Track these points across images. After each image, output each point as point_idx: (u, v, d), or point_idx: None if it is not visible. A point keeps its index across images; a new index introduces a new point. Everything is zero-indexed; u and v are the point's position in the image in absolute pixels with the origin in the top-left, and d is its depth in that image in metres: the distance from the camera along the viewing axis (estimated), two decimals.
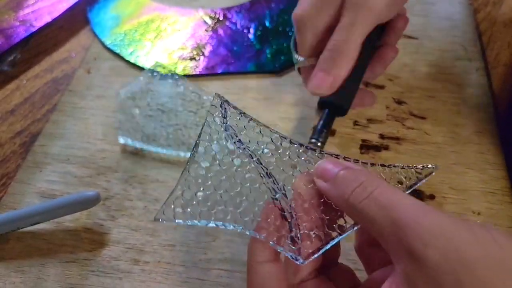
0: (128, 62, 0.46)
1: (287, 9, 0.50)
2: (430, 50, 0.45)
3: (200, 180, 0.23)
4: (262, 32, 0.48)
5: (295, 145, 0.24)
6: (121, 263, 0.32)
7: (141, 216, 0.34)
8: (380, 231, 0.19)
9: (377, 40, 0.33)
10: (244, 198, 0.22)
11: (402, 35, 0.46)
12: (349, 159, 0.24)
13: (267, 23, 0.49)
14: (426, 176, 0.24)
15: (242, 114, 0.25)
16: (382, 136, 0.38)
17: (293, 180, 0.23)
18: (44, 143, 0.39)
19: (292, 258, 0.21)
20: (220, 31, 0.48)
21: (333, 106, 0.32)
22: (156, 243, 0.33)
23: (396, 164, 0.24)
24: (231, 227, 0.22)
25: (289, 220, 0.22)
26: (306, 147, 0.25)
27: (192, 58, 0.46)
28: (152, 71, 0.43)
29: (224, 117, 0.24)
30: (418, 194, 0.34)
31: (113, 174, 0.37)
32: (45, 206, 0.32)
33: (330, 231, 0.22)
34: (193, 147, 0.24)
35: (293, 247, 0.21)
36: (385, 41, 0.33)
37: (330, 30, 0.30)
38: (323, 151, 0.25)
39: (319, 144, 0.31)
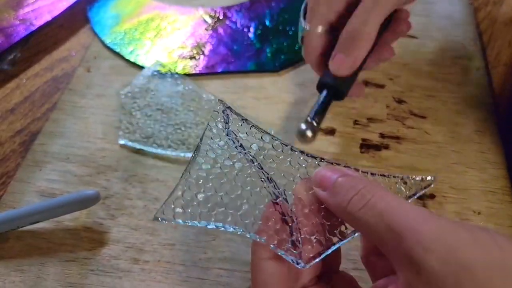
0: (128, 61, 0.46)
1: (287, 8, 0.50)
2: (431, 49, 0.45)
3: (200, 182, 0.23)
4: (262, 31, 0.48)
5: (296, 152, 0.25)
6: (120, 262, 0.32)
7: (141, 215, 0.34)
8: (379, 238, 0.19)
9: (383, 31, 0.33)
10: (244, 201, 0.22)
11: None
12: (349, 168, 0.24)
13: (267, 22, 0.49)
14: (425, 187, 0.24)
15: (244, 121, 0.25)
16: (382, 135, 0.38)
17: (294, 186, 0.23)
18: (44, 142, 0.39)
19: (293, 262, 0.21)
20: (220, 30, 0.48)
21: (332, 89, 0.32)
22: (156, 242, 0.33)
23: (396, 175, 0.24)
24: (231, 229, 0.22)
25: (290, 224, 0.22)
26: (306, 154, 0.25)
27: (192, 57, 0.46)
28: (152, 70, 0.43)
29: (226, 123, 0.25)
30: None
31: (113, 173, 0.37)
32: (44, 205, 0.32)
33: (331, 237, 0.22)
34: (195, 149, 0.24)
35: (294, 251, 0.21)
36: (385, 38, 0.33)
37: (345, 4, 0.30)
38: (323, 159, 0.25)
39: (314, 124, 0.30)
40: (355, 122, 0.39)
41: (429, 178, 0.24)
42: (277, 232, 0.21)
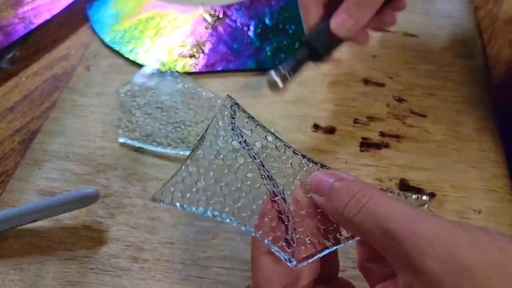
0: (127, 59, 0.46)
1: (287, 7, 0.50)
2: (431, 48, 0.45)
3: (202, 170, 0.23)
4: (262, 30, 0.48)
5: (298, 155, 0.25)
6: (120, 260, 0.32)
7: (140, 213, 0.34)
8: (378, 242, 0.19)
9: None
10: (243, 194, 0.23)
11: (403, 33, 0.46)
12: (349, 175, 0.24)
13: (267, 21, 0.48)
14: (419, 206, 0.24)
15: (250, 118, 0.25)
16: (382, 134, 0.38)
17: (293, 187, 0.23)
18: (43, 141, 0.39)
19: (286, 259, 0.21)
20: (220, 29, 0.48)
21: (313, 50, 0.32)
22: (155, 240, 0.32)
23: (392, 190, 0.24)
24: (228, 220, 0.22)
25: (286, 223, 0.22)
26: (308, 159, 0.25)
27: (191, 56, 0.45)
28: (151, 68, 0.43)
29: (233, 118, 0.25)
30: (418, 192, 0.34)
31: (112, 171, 0.37)
32: (44, 204, 0.32)
33: (325, 241, 0.22)
34: (199, 139, 0.24)
35: (288, 250, 0.21)
36: (385, 10, 0.33)
37: None
38: (324, 165, 0.25)
39: (282, 72, 0.31)
40: (355, 121, 0.39)
41: (424, 197, 0.24)
42: (273, 229, 0.21)
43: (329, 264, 0.24)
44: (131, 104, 0.41)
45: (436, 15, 0.48)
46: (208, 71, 0.44)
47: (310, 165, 0.24)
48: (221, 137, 0.24)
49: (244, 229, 0.22)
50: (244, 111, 0.26)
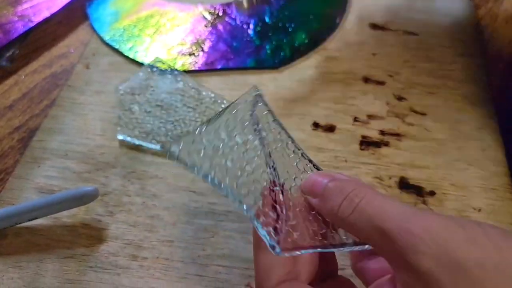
0: (127, 57, 0.46)
1: (287, 5, 0.50)
2: (431, 46, 0.45)
3: (212, 140, 0.24)
4: (261, 28, 0.47)
5: (305, 159, 0.25)
6: (119, 258, 0.32)
7: (139, 211, 0.34)
8: (372, 242, 0.19)
9: None
10: (245, 174, 0.23)
11: (403, 32, 0.46)
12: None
13: (266, 19, 0.48)
14: None
15: (270, 112, 0.26)
16: (382, 133, 0.38)
17: (293, 184, 0.23)
18: (43, 139, 0.39)
19: (270, 245, 0.21)
20: (220, 27, 0.48)
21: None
22: (154, 239, 0.32)
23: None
24: (225, 191, 0.22)
25: (279, 213, 0.22)
26: (314, 165, 0.25)
27: (191, 54, 0.45)
28: (151, 66, 0.43)
29: (254, 106, 0.25)
30: (418, 191, 0.34)
31: (111, 169, 0.36)
32: (43, 202, 0.31)
33: (316, 239, 0.22)
34: (217, 113, 0.25)
35: (274, 237, 0.21)
36: None
37: None
38: None
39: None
40: (355, 119, 0.39)
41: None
42: (264, 214, 0.21)
43: (327, 263, 0.24)
44: (130, 102, 0.40)
45: (436, 13, 0.48)
46: (208, 69, 0.44)
47: (314, 170, 0.25)
48: (239, 118, 0.25)
49: (237, 206, 0.22)
50: (266, 104, 0.26)
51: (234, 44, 0.46)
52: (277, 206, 0.22)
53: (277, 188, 0.22)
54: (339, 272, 0.25)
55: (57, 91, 0.43)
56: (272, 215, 0.21)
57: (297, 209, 0.22)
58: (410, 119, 0.39)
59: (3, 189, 0.36)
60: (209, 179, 0.23)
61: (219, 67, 0.44)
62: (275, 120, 0.26)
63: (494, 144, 0.37)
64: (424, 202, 0.34)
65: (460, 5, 0.49)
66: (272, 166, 0.23)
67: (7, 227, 0.32)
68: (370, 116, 0.39)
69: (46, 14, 0.49)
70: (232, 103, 0.25)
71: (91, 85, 0.43)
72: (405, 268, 0.17)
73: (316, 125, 0.39)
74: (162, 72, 0.43)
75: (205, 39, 0.47)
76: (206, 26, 0.48)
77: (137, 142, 0.38)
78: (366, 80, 0.42)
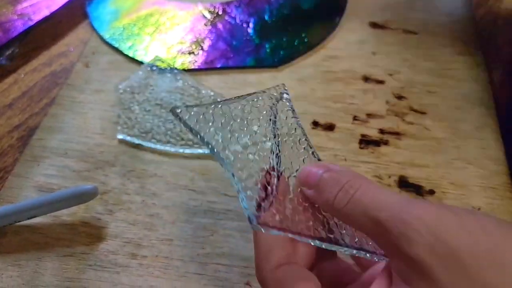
0: (126, 56, 0.46)
1: (286, 4, 0.50)
2: (431, 45, 0.45)
3: (223, 117, 0.24)
4: (261, 27, 0.47)
5: (315, 158, 0.25)
6: (118, 257, 0.32)
7: (138, 210, 0.34)
8: (368, 232, 0.19)
9: None
10: (247, 152, 0.23)
11: (402, 31, 0.46)
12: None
13: (266, 18, 0.48)
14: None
15: (291, 109, 0.26)
16: (382, 131, 0.38)
17: (293, 174, 0.24)
18: (42, 137, 0.39)
19: (248, 217, 0.21)
20: (219, 26, 0.48)
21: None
22: (153, 237, 0.32)
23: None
24: (221, 160, 0.23)
25: (268, 194, 0.22)
26: None
27: (191, 53, 0.45)
28: (151, 65, 0.43)
29: (277, 101, 0.26)
30: (418, 190, 0.34)
31: (111, 168, 0.36)
32: (42, 200, 0.31)
33: (301, 227, 0.22)
34: (234, 97, 0.25)
35: (255, 211, 0.21)
36: None
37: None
38: None
39: None
40: (355, 118, 0.39)
41: (384, 259, 0.23)
42: (252, 189, 0.22)
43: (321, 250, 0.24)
44: (130, 100, 0.40)
45: (436, 12, 0.48)
46: (207, 68, 0.44)
47: None
48: (256, 107, 0.25)
49: (230, 173, 0.22)
50: (290, 101, 0.26)
51: (234, 43, 0.46)
52: (268, 187, 0.22)
53: (274, 173, 0.23)
54: None
55: (57, 89, 0.43)
56: (260, 193, 0.22)
57: (289, 197, 0.23)
58: (410, 118, 0.39)
59: (2, 187, 0.36)
60: (209, 146, 0.23)
61: (218, 66, 0.44)
62: (294, 117, 0.26)
63: (494, 143, 0.37)
64: None
65: (460, 4, 0.49)
66: (277, 154, 0.24)
67: (7, 225, 0.32)
68: (370, 115, 0.39)
69: (46, 12, 0.49)
70: (254, 92, 0.26)
71: (91, 83, 0.43)
72: (400, 257, 0.17)
73: (315, 124, 0.39)
74: (162, 71, 0.43)
75: (204, 38, 0.47)
76: (205, 24, 0.48)
77: (136, 141, 0.38)
78: (366, 79, 0.42)
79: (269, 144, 0.24)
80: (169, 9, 0.51)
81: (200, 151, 0.37)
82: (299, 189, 0.23)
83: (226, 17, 0.49)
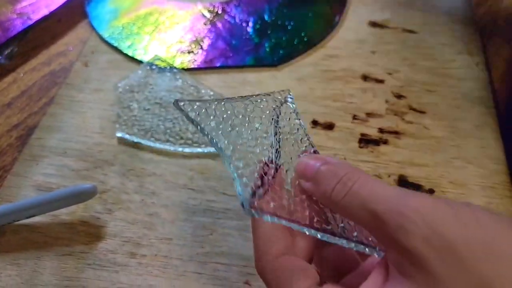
0: (126, 55, 0.46)
1: (286, 3, 0.50)
2: (430, 44, 0.45)
3: (226, 113, 0.25)
4: (260, 26, 0.47)
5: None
6: (117, 256, 0.31)
7: (138, 209, 0.34)
8: (365, 224, 0.19)
9: None
10: (246, 145, 0.24)
11: (402, 30, 0.46)
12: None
13: (266, 17, 0.48)
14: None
15: (295, 112, 0.26)
16: (381, 130, 0.38)
17: (291, 167, 0.24)
18: (41, 136, 0.39)
19: (242, 203, 0.21)
20: (219, 25, 0.48)
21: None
22: (153, 236, 0.32)
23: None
24: (221, 149, 0.23)
25: (264, 183, 0.22)
26: None
27: (190, 52, 0.45)
28: (150, 64, 0.43)
29: (281, 104, 0.26)
30: (417, 189, 0.34)
31: (110, 167, 0.36)
32: (41, 199, 0.31)
33: (295, 215, 0.22)
34: (237, 97, 0.26)
35: (249, 197, 0.21)
36: None
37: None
38: None
39: None
40: (354, 117, 0.39)
41: (376, 254, 0.23)
42: (248, 177, 0.22)
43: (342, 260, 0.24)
44: (129, 99, 0.40)
45: (435, 11, 0.48)
46: (207, 67, 0.44)
47: None
48: (260, 107, 0.25)
49: (227, 166, 0.23)
50: (294, 104, 0.27)
51: (233, 42, 0.46)
52: (265, 177, 0.22)
53: (272, 165, 0.23)
54: None
55: (56, 89, 0.43)
56: (256, 181, 0.22)
57: (286, 188, 0.23)
58: (409, 117, 0.39)
59: (1, 186, 0.36)
60: (209, 136, 0.23)
61: (218, 65, 0.44)
62: (298, 119, 0.26)
63: (493, 142, 0.37)
64: None
65: (459, 3, 0.49)
66: (276, 149, 0.24)
67: (5, 224, 0.32)
68: (369, 114, 0.39)
69: (45, 12, 0.49)
70: (258, 94, 0.26)
71: (90, 83, 0.43)
72: (397, 249, 0.17)
73: (315, 123, 0.39)
74: (161, 70, 0.43)
75: (204, 37, 0.47)
76: (205, 24, 0.48)
77: (135, 139, 0.38)
78: (365, 78, 0.42)
79: (269, 139, 0.24)
80: (169, 8, 0.51)
81: (199, 150, 0.37)
82: (296, 182, 0.23)
83: (226, 16, 0.49)
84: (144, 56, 0.45)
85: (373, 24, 0.47)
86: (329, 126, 0.39)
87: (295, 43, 0.45)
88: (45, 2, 0.50)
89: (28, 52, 0.47)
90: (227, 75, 0.43)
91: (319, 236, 0.21)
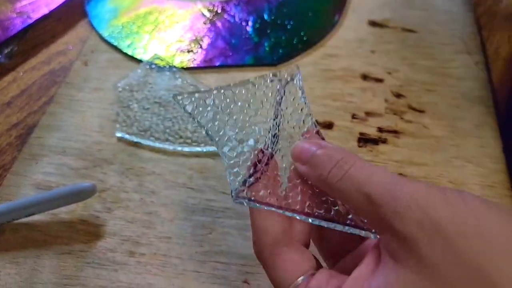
0: (125, 54, 0.46)
1: (285, 2, 0.50)
2: (430, 43, 0.45)
3: (224, 101, 0.25)
4: (260, 25, 0.47)
5: (319, 137, 0.25)
6: (116, 255, 0.31)
7: (137, 208, 0.34)
8: (358, 207, 0.19)
9: None
10: (244, 132, 0.24)
11: (401, 29, 0.46)
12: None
13: (265, 16, 0.48)
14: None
15: (301, 89, 0.26)
16: (380, 130, 0.38)
17: (288, 152, 0.24)
18: (41, 135, 0.39)
19: (231, 192, 0.21)
20: (218, 24, 0.48)
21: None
22: (152, 235, 0.32)
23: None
24: (215, 141, 0.23)
25: (258, 170, 0.22)
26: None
27: (190, 51, 0.45)
28: (149, 63, 0.43)
29: (286, 82, 0.26)
30: None
31: (109, 166, 0.36)
32: (40, 197, 0.31)
33: (285, 201, 0.22)
34: (245, 81, 0.25)
35: (239, 186, 0.22)
36: None
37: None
38: None
39: None
40: (353, 116, 0.39)
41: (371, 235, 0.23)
42: (239, 166, 0.22)
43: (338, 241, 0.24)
44: (129, 99, 0.40)
45: (435, 10, 0.48)
46: (206, 66, 0.44)
47: None
48: (263, 89, 0.25)
49: (222, 154, 0.23)
50: (301, 81, 0.26)
51: (233, 41, 0.46)
52: (258, 165, 0.23)
53: (268, 150, 0.23)
54: None
55: (55, 88, 0.43)
56: (249, 169, 0.22)
57: (280, 173, 0.23)
58: (409, 116, 0.39)
59: (0, 185, 0.36)
60: (205, 129, 0.24)
61: (217, 64, 0.44)
62: (303, 97, 0.26)
63: (493, 141, 0.37)
64: None
65: (459, 2, 0.49)
66: (274, 134, 0.24)
67: (5, 223, 0.32)
68: (368, 113, 0.39)
69: (45, 11, 0.49)
70: (265, 74, 0.25)
71: (90, 82, 0.43)
72: (389, 232, 0.18)
73: None
74: (161, 69, 0.43)
75: (203, 36, 0.47)
76: (204, 23, 0.48)
77: (135, 139, 0.38)
78: (365, 77, 0.42)
79: (267, 125, 0.24)
80: (168, 7, 0.51)
81: (198, 149, 0.37)
82: (292, 166, 0.23)
83: (225, 16, 0.49)
84: (143, 55, 0.45)
85: (373, 24, 0.48)
86: (328, 125, 0.39)
87: (294, 42, 0.45)
88: (45, 1, 0.50)
89: (28, 51, 0.47)
90: (226, 74, 0.43)
91: (310, 221, 0.22)
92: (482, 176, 0.35)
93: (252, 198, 0.22)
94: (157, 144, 0.37)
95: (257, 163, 0.23)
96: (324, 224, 0.22)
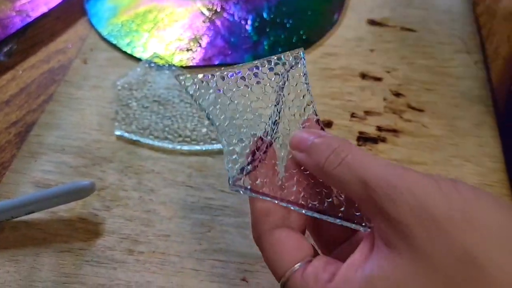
0: (125, 53, 0.46)
1: (285, 1, 0.50)
2: (429, 42, 0.45)
3: (226, 84, 0.24)
4: (259, 24, 0.47)
5: (318, 126, 0.25)
6: (115, 253, 0.32)
7: (136, 206, 0.34)
8: (354, 194, 0.20)
9: None
10: (244, 118, 0.24)
11: (401, 28, 0.46)
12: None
13: (264, 15, 0.48)
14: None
15: (304, 75, 0.25)
16: (379, 129, 0.38)
17: (287, 141, 0.24)
18: (40, 133, 0.39)
19: (228, 180, 0.22)
20: (218, 22, 0.48)
21: None
22: (150, 233, 0.32)
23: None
24: (216, 125, 0.23)
25: (256, 158, 0.22)
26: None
27: (189, 49, 0.45)
28: (149, 62, 0.43)
29: (290, 67, 0.25)
30: None
31: (108, 164, 0.36)
32: (39, 195, 0.31)
33: (281, 192, 0.22)
34: (250, 63, 0.25)
35: (236, 174, 0.22)
36: None
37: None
38: None
39: None
40: (352, 115, 0.39)
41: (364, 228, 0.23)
42: (238, 154, 0.23)
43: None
44: (128, 97, 0.40)
45: (434, 10, 0.48)
46: (205, 65, 0.44)
47: None
48: (265, 73, 0.24)
49: (221, 140, 0.23)
50: (305, 66, 0.26)
51: (232, 39, 0.46)
52: (257, 153, 0.23)
53: (267, 138, 0.23)
54: None
55: (55, 86, 0.43)
56: (247, 157, 0.22)
57: (277, 162, 0.23)
58: (408, 115, 0.39)
59: (0, 183, 0.36)
60: (205, 112, 0.24)
61: (216, 62, 0.44)
62: (306, 83, 0.25)
63: (492, 141, 0.37)
64: None
65: (458, 1, 0.49)
66: (275, 121, 0.24)
67: (4, 220, 0.32)
68: (368, 112, 0.39)
69: (44, 9, 0.49)
70: (268, 58, 0.25)
71: (89, 80, 0.43)
72: (384, 218, 0.18)
73: None
74: (160, 67, 0.43)
75: (203, 35, 0.47)
76: (204, 21, 0.48)
77: (134, 137, 0.38)
78: (364, 76, 0.42)
79: (269, 111, 0.24)
80: (168, 6, 0.51)
81: (197, 147, 0.37)
82: (289, 155, 0.23)
83: (225, 14, 0.49)
84: (143, 53, 0.45)
85: (372, 23, 0.48)
86: (327, 124, 0.39)
87: (293, 41, 0.45)
88: None
89: (27, 50, 0.47)
90: None
91: (303, 212, 0.22)
92: (481, 175, 0.35)
93: (249, 187, 0.22)
94: (156, 143, 0.37)
95: (256, 150, 0.23)
96: (316, 215, 0.22)
